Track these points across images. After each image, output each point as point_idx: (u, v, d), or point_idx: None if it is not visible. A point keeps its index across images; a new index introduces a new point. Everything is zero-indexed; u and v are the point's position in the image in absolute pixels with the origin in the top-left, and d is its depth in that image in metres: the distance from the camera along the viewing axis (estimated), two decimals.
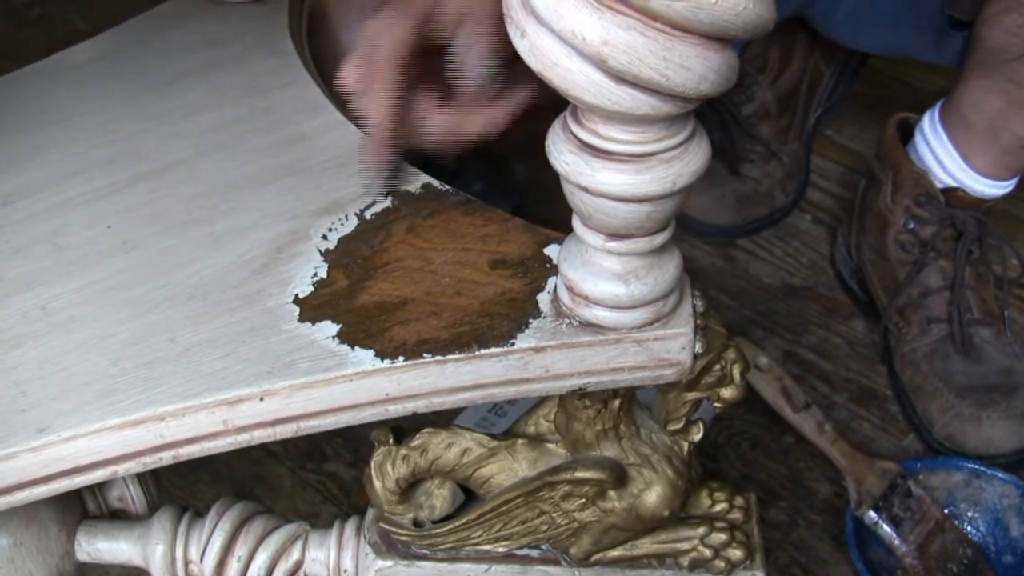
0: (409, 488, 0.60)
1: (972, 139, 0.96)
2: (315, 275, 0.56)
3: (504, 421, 0.93)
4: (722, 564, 0.61)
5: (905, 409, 0.99)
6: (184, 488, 0.95)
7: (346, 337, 0.52)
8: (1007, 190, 0.99)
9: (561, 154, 0.46)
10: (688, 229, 1.15)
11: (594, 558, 0.61)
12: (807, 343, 1.06)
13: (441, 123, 0.62)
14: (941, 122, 0.98)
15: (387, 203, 0.60)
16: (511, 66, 0.61)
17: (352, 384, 0.51)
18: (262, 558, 0.62)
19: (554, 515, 0.59)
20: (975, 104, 0.95)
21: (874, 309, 1.05)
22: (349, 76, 0.61)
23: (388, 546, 0.62)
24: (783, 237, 1.17)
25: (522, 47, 0.43)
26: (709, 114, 1.17)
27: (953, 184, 0.98)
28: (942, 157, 0.98)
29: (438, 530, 0.60)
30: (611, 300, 0.50)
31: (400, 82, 0.59)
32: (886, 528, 0.85)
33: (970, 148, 0.96)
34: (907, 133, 1.02)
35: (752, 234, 1.17)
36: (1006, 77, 0.92)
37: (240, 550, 0.62)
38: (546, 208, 0.76)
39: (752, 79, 1.17)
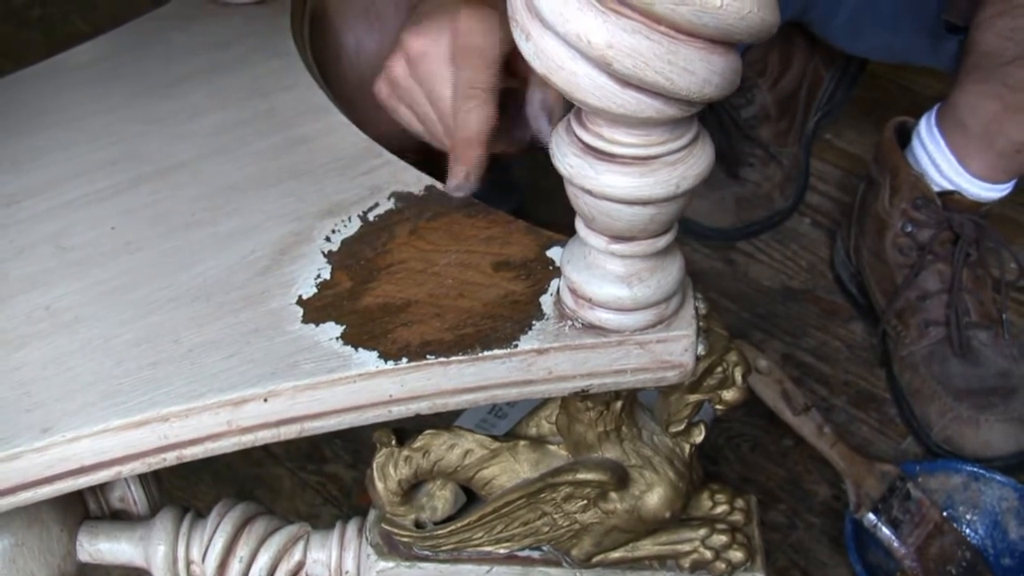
0: (411, 489, 0.60)
1: (968, 143, 0.96)
2: (318, 276, 0.56)
3: (504, 423, 0.94)
4: (723, 566, 0.61)
5: (904, 412, 0.99)
6: (185, 489, 0.95)
7: (350, 338, 0.53)
8: (1004, 193, 0.99)
9: (565, 157, 0.46)
10: (688, 232, 1.15)
11: (595, 559, 0.61)
12: (806, 346, 1.06)
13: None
14: (938, 126, 0.98)
15: (390, 205, 0.60)
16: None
17: (356, 385, 0.51)
18: (264, 559, 0.62)
19: (556, 516, 0.60)
20: (971, 108, 0.95)
21: (873, 312, 1.05)
22: (424, 60, 0.59)
23: (390, 547, 0.62)
24: (782, 240, 1.17)
25: (527, 50, 0.43)
26: (709, 117, 1.17)
27: (950, 187, 0.98)
28: (939, 161, 0.98)
29: (440, 531, 0.60)
30: (614, 302, 0.50)
31: (497, 86, 0.59)
32: (885, 530, 0.85)
33: (966, 152, 0.97)
34: (905, 137, 1.03)
35: (751, 237, 1.17)
36: (1000, 81, 0.92)
37: (242, 551, 0.62)
38: (546, 209, 0.76)
39: (752, 82, 1.17)
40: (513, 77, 0.62)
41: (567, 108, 0.60)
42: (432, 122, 0.62)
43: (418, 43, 0.61)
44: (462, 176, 0.59)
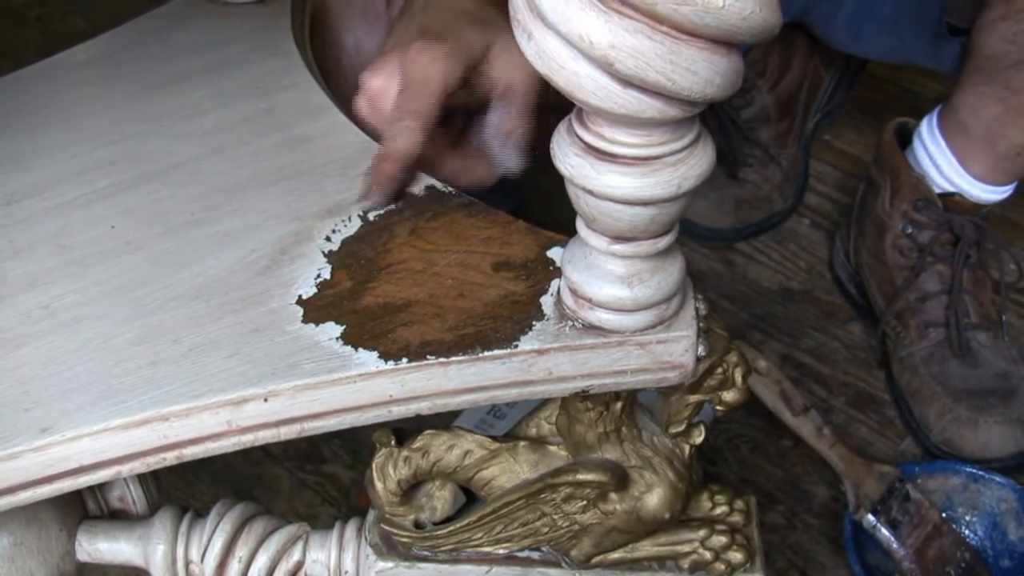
0: (410, 490, 0.60)
1: (970, 145, 0.96)
2: (318, 276, 0.56)
3: (503, 423, 0.94)
4: (722, 567, 0.61)
5: (903, 413, 0.99)
6: (183, 489, 0.95)
7: (350, 338, 0.53)
8: (1005, 195, 0.99)
9: (566, 157, 0.46)
10: (687, 233, 1.15)
11: (595, 560, 0.61)
12: (805, 347, 1.06)
13: (449, 164, 0.62)
14: (939, 128, 0.98)
15: (390, 205, 0.60)
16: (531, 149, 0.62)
17: (356, 386, 0.51)
18: (263, 559, 0.62)
19: (555, 517, 0.59)
20: (973, 110, 0.95)
21: (872, 313, 1.05)
22: (382, 98, 0.61)
23: (389, 547, 0.62)
24: (781, 241, 1.17)
25: (529, 50, 0.43)
26: (708, 118, 1.17)
27: (951, 189, 0.98)
28: (940, 162, 0.98)
29: (439, 532, 0.60)
30: (615, 303, 0.50)
31: (436, 118, 0.59)
32: (884, 532, 0.85)
33: (968, 154, 0.97)
34: (905, 138, 1.03)
35: (751, 238, 1.17)
36: (1003, 84, 0.92)
37: (241, 551, 0.62)
38: (546, 209, 0.76)
39: (752, 83, 1.17)
40: (472, 101, 0.62)
41: (529, 132, 0.61)
42: None
43: (375, 82, 0.61)
44: (369, 189, 0.59)
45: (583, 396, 0.55)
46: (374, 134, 0.65)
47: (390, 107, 0.61)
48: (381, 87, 0.61)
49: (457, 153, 0.64)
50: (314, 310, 0.54)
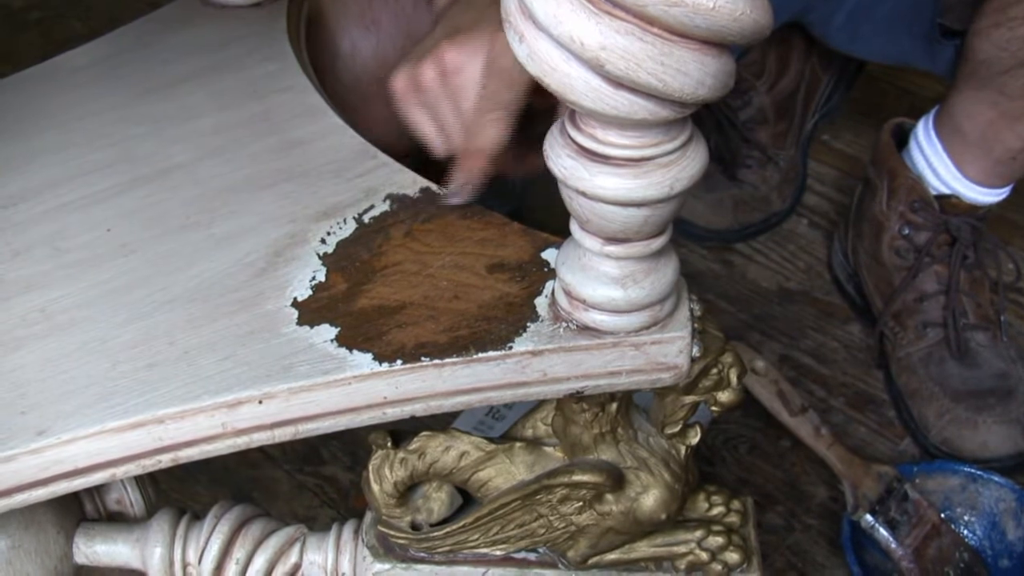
0: (407, 491, 0.60)
1: (965, 149, 0.96)
2: (313, 279, 0.56)
3: (501, 425, 0.94)
4: (719, 567, 0.61)
5: (901, 413, 0.99)
6: (181, 491, 0.95)
7: (344, 340, 0.53)
8: (1001, 197, 0.99)
9: (559, 158, 0.46)
10: (685, 234, 1.15)
11: (591, 561, 0.61)
12: (804, 347, 1.06)
13: (508, 155, 0.62)
14: (935, 131, 0.98)
15: (385, 207, 0.60)
16: None
17: (350, 387, 0.51)
18: (260, 561, 0.62)
19: (551, 518, 0.60)
20: (968, 115, 0.95)
21: (870, 313, 1.05)
22: (459, 75, 0.59)
23: (386, 549, 0.62)
24: (780, 242, 1.17)
25: (520, 52, 0.43)
26: (707, 119, 1.17)
27: (947, 192, 0.98)
28: (936, 165, 0.98)
29: (436, 533, 0.60)
30: (609, 304, 0.50)
31: (520, 110, 0.58)
32: (883, 532, 0.85)
33: (963, 157, 0.97)
34: (903, 138, 1.03)
35: (749, 239, 1.17)
36: (997, 90, 0.92)
37: (238, 553, 0.62)
38: (542, 211, 0.77)
39: (750, 84, 1.17)
40: (544, 101, 0.62)
41: None
42: (452, 132, 0.62)
43: (456, 56, 0.60)
44: (460, 184, 0.59)
45: (578, 397, 0.55)
46: (405, 101, 0.63)
47: (466, 88, 0.59)
48: (460, 63, 0.59)
49: (514, 145, 0.63)
50: (309, 312, 0.54)
